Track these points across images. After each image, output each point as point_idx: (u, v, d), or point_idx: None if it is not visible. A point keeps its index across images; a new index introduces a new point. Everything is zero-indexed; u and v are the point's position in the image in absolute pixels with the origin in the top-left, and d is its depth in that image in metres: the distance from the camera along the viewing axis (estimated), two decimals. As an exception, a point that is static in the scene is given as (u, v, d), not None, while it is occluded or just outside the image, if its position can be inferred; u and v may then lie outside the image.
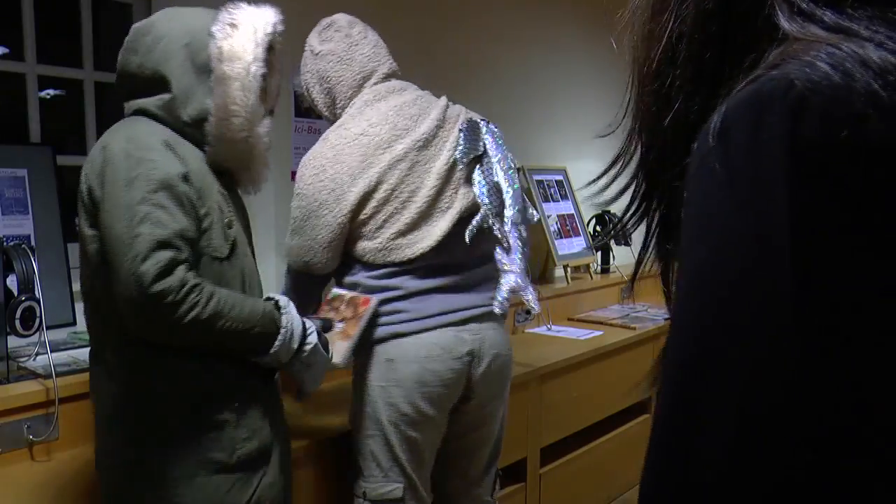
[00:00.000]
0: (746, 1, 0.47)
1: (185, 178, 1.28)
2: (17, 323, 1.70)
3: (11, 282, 1.76)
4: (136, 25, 1.41)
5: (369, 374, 1.76)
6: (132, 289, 1.19)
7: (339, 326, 1.65)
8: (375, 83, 1.83)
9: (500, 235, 1.72)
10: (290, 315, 1.39)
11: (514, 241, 1.72)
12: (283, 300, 1.43)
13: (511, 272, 1.71)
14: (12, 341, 1.81)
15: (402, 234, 1.72)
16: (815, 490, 0.41)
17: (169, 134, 1.33)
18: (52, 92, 2.36)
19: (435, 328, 1.73)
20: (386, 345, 1.74)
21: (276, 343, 1.35)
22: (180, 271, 1.22)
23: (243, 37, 1.33)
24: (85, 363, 1.84)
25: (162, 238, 1.21)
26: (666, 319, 3.51)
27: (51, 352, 1.74)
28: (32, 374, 1.80)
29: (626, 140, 0.55)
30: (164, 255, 1.21)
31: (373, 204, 1.71)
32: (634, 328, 3.17)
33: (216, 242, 1.32)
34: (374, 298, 1.70)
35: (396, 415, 1.73)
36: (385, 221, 1.72)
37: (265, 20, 1.38)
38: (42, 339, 1.77)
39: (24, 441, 1.70)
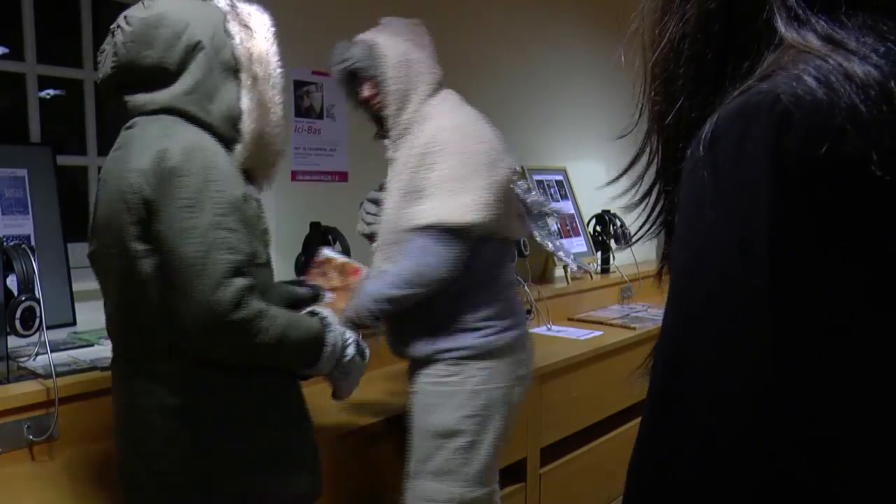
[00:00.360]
0: (747, 3, 0.49)
1: (246, 197, 1.29)
2: (17, 323, 1.70)
3: (11, 282, 1.75)
4: (138, 15, 1.34)
5: (491, 376, 1.79)
6: (207, 315, 1.19)
7: (328, 297, 1.62)
8: (445, 87, 1.88)
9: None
10: (335, 331, 1.43)
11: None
12: (329, 315, 1.45)
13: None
14: (12, 341, 1.81)
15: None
16: (790, 490, 0.42)
17: (213, 142, 1.31)
18: (52, 92, 2.36)
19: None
20: (515, 344, 1.81)
21: (322, 359, 1.39)
22: (253, 299, 1.23)
23: (263, 38, 1.36)
24: (85, 363, 1.85)
25: (237, 264, 1.22)
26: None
27: (51, 352, 1.74)
28: (32, 374, 1.80)
29: (644, 140, 0.57)
30: (240, 283, 1.21)
31: None
32: (634, 328, 3.17)
33: (258, 249, 1.33)
34: (365, 269, 1.72)
35: (511, 414, 1.81)
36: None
37: (268, 21, 1.40)
38: (42, 339, 1.77)
39: (24, 441, 1.70)
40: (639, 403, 3.13)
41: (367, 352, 1.54)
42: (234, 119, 1.34)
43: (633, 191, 0.58)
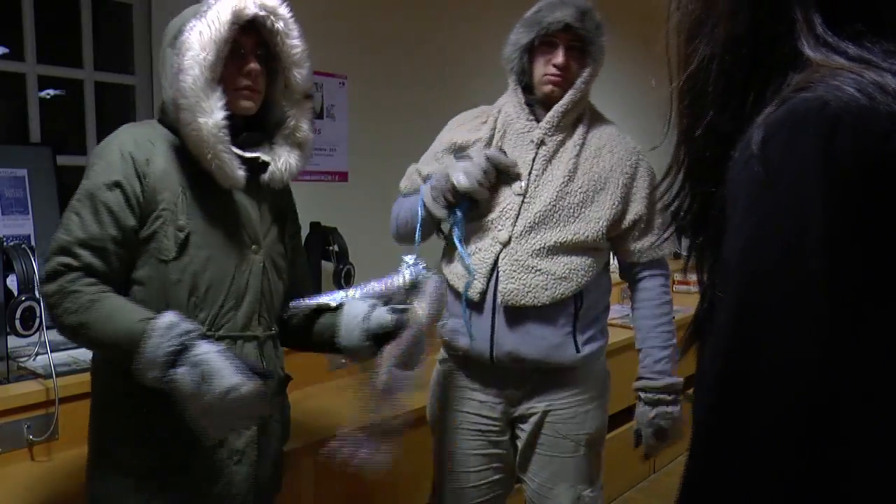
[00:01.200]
0: (774, 29, 0.53)
1: (116, 185, 1.30)
2: (17, 323, 1.70)
3: (11, 282, 1.76)
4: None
5: (609, 386, 1.80)
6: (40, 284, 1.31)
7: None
8: None
9: None
10: (162, 338, 1.22)
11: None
12: (163, 322, 1.24)
13: None
14: (12, 341, 1.81)
15: None
16: (845, 469, 0.46)
17: (147, 132, 1.37)
18: (52, 92, 2.36)
19: None
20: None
21: (137, 365, 1.25)
22: (66, 278, 1.28)
23: (201, 26, 1.30)
24: (85, 363, 1.85)
25: (63, 244, 1.29)
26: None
27: (51, 352, 1.74)
28: (32, 374, 1.80)
29: (675, 151, 0.62)
30: (58, 260, 1.28)
31: None
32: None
33: (164, 244, 1.32)
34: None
35: None
36: None
37: (231, 5, 1.31)
38: (42, 339, 1.78)
39: (24, 441, 1.70)
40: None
41: (224, 383, 1.19)
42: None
43: (666, 195, 0.63)
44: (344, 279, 2.50)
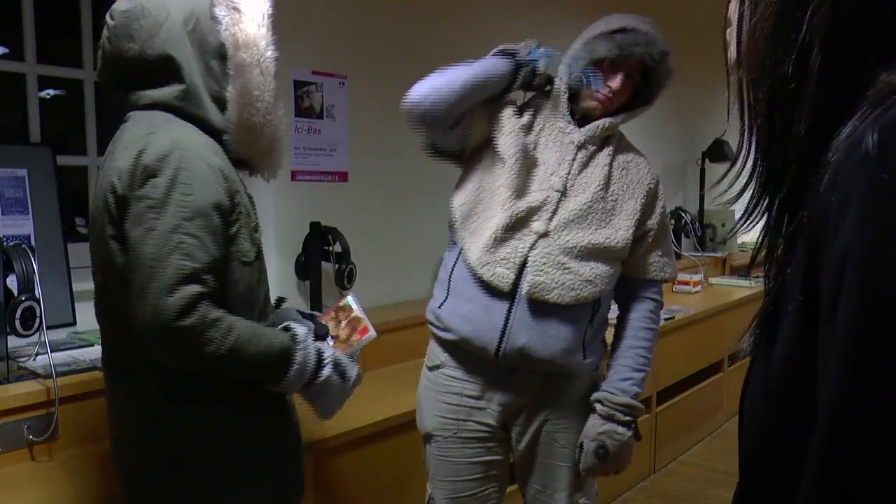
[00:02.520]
0: (881, 14, 0.52)
1: (220, 203, 1.25)
2: (17, 323, 1.70)
3: (11, 282, 1.75)
4: (119, 8, 1.32)
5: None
6: (153, 319, 1.17)
7: (329, 342, 1.52)
8: None
9: None
10: (306, 348, 1.33)
11: None
12: (302, 332, 1.35)
13: None
14: (12, 341, 1.81)
15: None
16: None
17: (201, 138, 1.29)
18: (52, 92, 2.36)
19: None
20: None
21: (288, 377, 1.31)
22: (203, 307, 1.20)
23: (252, 22, 1.30)
24: (85, 363, 1.85)
25: (191, 271, 1.19)
26: (667, 319, 3.51)
27: (51, 352, 1.74)
28: (32, 374, 1.80)
29: (740, 142, 0.61)
30: (190, 290, 1.18)
31: None
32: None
33: (244, 247, 1.30)
34: (373, 333, 1.56)
35: None
36: None
37: (263, 4, 1.33)
38: (42, 339, 1.77)
39: (24, 441, 1.70)
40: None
41: (353, 373, 1.42)
42: (221, 109, 1.32)
43: (732, 189, 0.62)
44: (347, 279, 2.51)
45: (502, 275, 1.60)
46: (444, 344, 1.72)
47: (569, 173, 1.66)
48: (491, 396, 1.66)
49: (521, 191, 1.63)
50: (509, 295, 1.60)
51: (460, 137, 1.68)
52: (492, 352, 1.61)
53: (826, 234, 0.50)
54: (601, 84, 1.63)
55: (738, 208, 0.65)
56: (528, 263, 1.60)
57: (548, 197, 1.64)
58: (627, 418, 1.63)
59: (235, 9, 1.30)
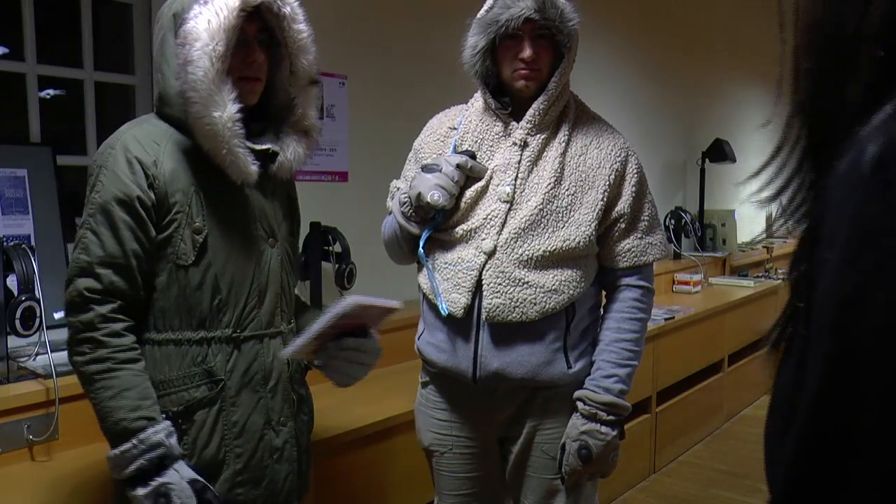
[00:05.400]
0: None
1: (129, 197, 1.25)
2: (17, 323, 1.70)
3: (11, 282, 1.75)
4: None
5: None
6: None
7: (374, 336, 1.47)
8: None
9: None
10: (135, 453, 1.22)
11: None
12: (157, 439, 1.23)
13: None
14: (12, 341, 1.81)
15: None
16: None
17: (150, 131, 1.31)
18: (52, 92, 2.36)
19: None
20: None
21: (110, 454, 1.25)
22: (98, 310, 1.24)
23: (208, 14, 1.24)
24: (85, 363, 1.85)
25: (85, 265, 1.25)
26: (667, 319, 3.50)
27: (51, 352, 1.74)
28: (32, 374, 1.80)
29: (784, 130, 0.56)
30: (81, 284, 1.24)
31: None
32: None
33: (181, 248, 1.29)
34: (395, 303, 1.47)
35: None
36: None
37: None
38: (42, 339, 1.77)
39: (24, 441, 1.70)
40: (638, 404, 3.12)
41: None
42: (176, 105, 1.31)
43: (768, 185, 0.57)
44: (347, 279, 2.50)
45: (456, 300, 1.54)
46: (427, 371, 1.71)
47: (516, 178, 1.55)
48: (478, 415, 1.63)
49: (467, 211, 1.56)
50: (472, 321, 1.54)
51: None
52: (469, 378, 1.57)
53: (820, 250, 0.48)
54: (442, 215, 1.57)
55: (774, 208, 0.58)
56: (484, 285, 1.52)
57: (494, 210, 1.54)
58: (611, 417, 1.54)
59: (205, 2, 1.26)
